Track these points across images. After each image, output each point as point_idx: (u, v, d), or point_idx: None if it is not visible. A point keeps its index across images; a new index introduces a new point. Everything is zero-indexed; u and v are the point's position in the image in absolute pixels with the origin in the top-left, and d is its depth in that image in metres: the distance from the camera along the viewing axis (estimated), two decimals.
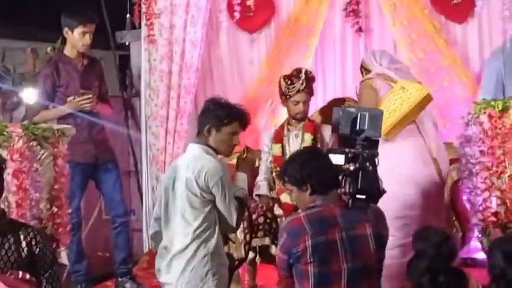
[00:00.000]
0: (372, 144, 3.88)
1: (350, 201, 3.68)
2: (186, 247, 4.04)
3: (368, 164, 3.76)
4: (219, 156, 4.22)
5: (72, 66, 5.83)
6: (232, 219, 4.09)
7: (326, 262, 3.58)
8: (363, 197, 3.67)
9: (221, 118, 4.13)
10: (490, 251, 3.74)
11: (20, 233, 3.28)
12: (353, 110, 3.99)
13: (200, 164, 4.05)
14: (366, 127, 3.89)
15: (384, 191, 3.79)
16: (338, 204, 3.66)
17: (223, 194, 4.06)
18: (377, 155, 3.85)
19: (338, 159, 3.80)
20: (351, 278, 3.58)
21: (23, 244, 3.27)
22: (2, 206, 3.45)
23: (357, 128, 3.90)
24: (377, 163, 3.83)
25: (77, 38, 5.75)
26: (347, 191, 3.71)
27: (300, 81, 5.80)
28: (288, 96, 5.85)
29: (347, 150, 3.83)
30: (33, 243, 3.29)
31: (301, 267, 3.63)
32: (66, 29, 5.76)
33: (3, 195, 3.52)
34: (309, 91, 5.84)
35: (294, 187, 3.79)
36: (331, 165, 3.75)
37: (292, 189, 3.82)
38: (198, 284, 4.05)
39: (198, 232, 4.03)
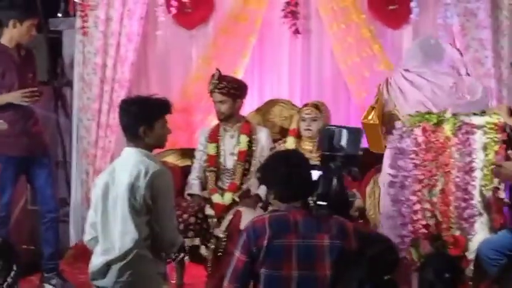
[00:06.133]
0: (352, 161, 3.98)
1: (313, 207, 3.75)
2: (125, 253, 4.00)
3: (333, 175, 3.90)
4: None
5: (9, 56, 5.74)
6: (173, 230, 4.10)
7: (277, 266, 3.60)
8: (324, 203, 3.72)
9: (148, 117, 4.08)
10: (423, 265, 3.91)
11: None
12: (332, 128, 4.16)
13: (146, 169, 3.99)
14: (345, 144, 3.98)
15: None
16: (302, 211, 3.68)
17: (169, 203, 4.06)
18: (354, 172, 3.94)
19: (317, 176, 3.91)
20: (301, 286, 3.60)
21: None
22: None
23: (335, 145, 4.01)
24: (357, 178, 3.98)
25: (25, 31, 5.71)
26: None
27: (213, 82, 5.84)
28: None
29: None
30: None
31: (256, 269, 3.66)
32: (13, 20, 5.67)
33: None
34: (223, 91, 5.84)
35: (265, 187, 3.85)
36: (302, 173, 3.76)
37: None
38: None
39: (138, 239, 3.98)
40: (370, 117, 5.24)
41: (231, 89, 5.86)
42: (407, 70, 5.24)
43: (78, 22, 6.71)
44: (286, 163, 3.80)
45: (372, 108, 5.26)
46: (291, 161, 3.83)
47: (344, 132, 4.06)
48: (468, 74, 5.31)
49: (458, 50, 5.49)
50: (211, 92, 5.90)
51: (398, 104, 5.09)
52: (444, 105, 4.96)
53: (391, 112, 5.11)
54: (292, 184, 3.73)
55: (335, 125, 4.42)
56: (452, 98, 5.00)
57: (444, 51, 5.23)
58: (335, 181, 3.91)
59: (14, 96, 5.64)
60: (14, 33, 5.71)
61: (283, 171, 3.75)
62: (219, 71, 5.90)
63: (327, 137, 4.07)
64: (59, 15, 7.17)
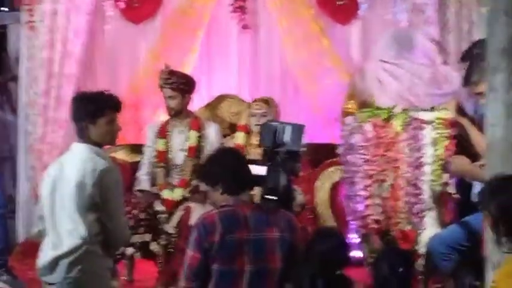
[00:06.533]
0: (294, 157, 4.02)
1: (261, 201, 3.79)
2: (74, 249, 3.93)
3: (281, 169, 3.92)
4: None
5: None
6: (124, 227, 4.06)
7: (229, 261, 3.61)
8: (274, 197, 3.74)
9: (91, 112, 4.00)
10: (376, 260, 3.92)
11: None
12: (275, 124, 4.18)
13: (94, 166, 3.92)
14: (287, 140, 4.03)
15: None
16: (250, 206, 3.71)
17: (118, 200, 4.01)
18: (297, 168, 3.99)
19: (259, 170, 3.93)
20: (253, 280, 3.61)
21: None
22: None
23: (278, 141, 4.04)
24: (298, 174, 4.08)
25: None
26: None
27: (162, 77, 5.82)
28: None
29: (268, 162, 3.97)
30: None
31: (209, 265, 3.65)
32: None
33: None
34: (173, 87, 5.79)
35: (208, 185, 3.83)
36: (245, 167, 3.82)
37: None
38: (82, 286, 3.98)
39: (87, 236, 3.93)
40: (349, 105, 5.26)
41: (180, 85, 5.82)
42: (384, 61, 5.22)
43: (24, 16, 6.63)
44: (232, 156, 3.86)
45: (351, 96, 5.28)
46: (235, 155, 3.93)
47: (287, 128, 4.08)
48: (445, 62, 5.32)
49: (433, 38, 5.49)
50: (161, 88, 5.85)
51: (375, 94, 5.09)
52: (423, 95, 5.00)
53: (366, 101, 5.10)
54: (240, 176, 3.76)
55: (277, 121, 4.46)
56: (430, 89, 5.03)
57: (415, 40, 5.23)
58: (283, 176, 3.94)
59: None
60: None
61: (231, 164, 3.78)
62: (168, 66, 5.87)
63: (270, 133, 4.09)
64: (5, 9, 7.08)
